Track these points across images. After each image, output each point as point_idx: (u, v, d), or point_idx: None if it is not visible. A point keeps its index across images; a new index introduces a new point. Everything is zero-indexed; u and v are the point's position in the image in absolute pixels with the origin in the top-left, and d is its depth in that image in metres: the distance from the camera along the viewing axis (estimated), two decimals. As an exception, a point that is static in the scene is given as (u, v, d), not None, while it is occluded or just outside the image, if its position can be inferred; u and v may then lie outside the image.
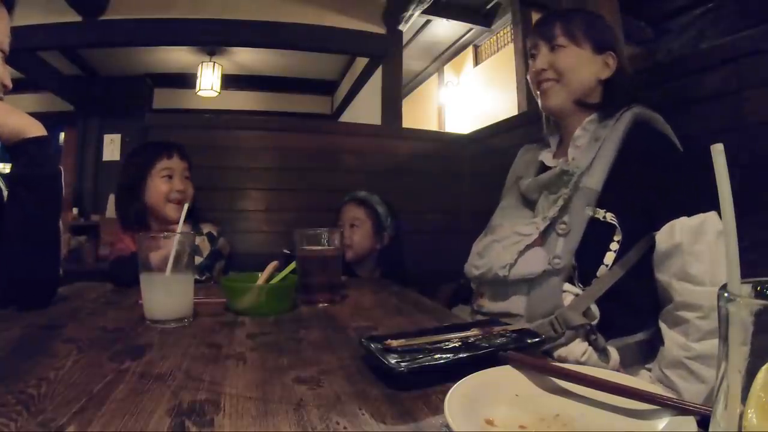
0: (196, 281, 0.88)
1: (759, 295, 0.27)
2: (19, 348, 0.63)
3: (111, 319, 0.80)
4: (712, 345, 0.82)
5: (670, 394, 0.41)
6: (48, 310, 0.86)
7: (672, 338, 0.86)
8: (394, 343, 0.57)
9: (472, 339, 0.61)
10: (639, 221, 0.91)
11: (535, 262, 0.94)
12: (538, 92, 1.07)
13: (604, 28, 1.08)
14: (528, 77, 1.11)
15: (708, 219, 0.85)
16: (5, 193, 0.89)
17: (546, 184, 1.03)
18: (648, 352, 0.92)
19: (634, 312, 0.93)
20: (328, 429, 0.40)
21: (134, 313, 0.83)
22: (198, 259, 1.38)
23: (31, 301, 0.86)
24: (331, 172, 2.16)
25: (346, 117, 5.43)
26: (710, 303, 0.82)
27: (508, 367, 0.49)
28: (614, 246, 0.91)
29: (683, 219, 0.86)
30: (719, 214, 0.28)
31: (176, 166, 1.42)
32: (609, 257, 0.91)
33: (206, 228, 1.47)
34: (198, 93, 5.13)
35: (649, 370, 0.91)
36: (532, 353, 0.61)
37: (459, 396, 0.40)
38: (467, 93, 4.98)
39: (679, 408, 0.39)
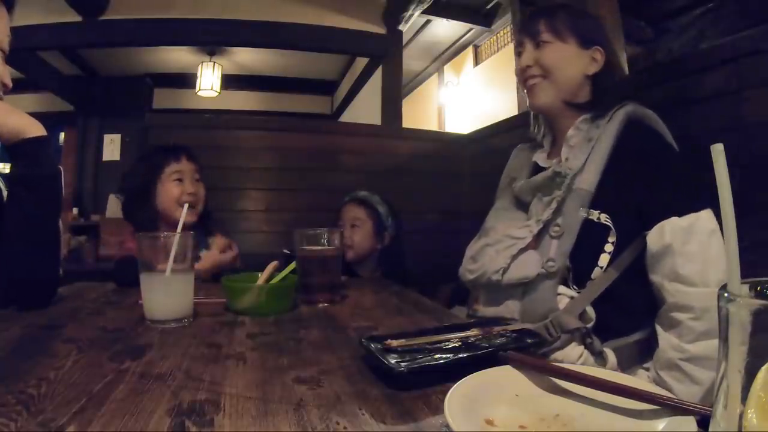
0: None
1: (759, 295, 0.27)
2: (19, 348, 0.63)
3: (111, 319, 0.80)
4: (705, 346, 0.82)
5: (665, 391, 0.41)
6: (48, 310, 0.86)
7: (666, 340, 0.86)
8: (394, 343, 0.57)
9: (472, 339, 0.61)
10: (633, 221, 0.90)
11: (528, 266, 0.93)
12: (526, 91, 1.06)
13: (590, 22, 1.07)
14: (515, 74, 1.10)
15: (699, 219, 0.84)
16: (5, 193, 0.89)
17: (539, 186, 1.02)
18: (645, 351, 0.91)
19: (630, 313, 0.92)
20: (328, 429, 0.40)
21: (134, 313, 0.82)
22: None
23: (31, 301, 0.86)
24: (331, 172, 2.16)
25: (346, 117, 5.43)
26: (702, 304, 0.82)
27: (508, 367, 0.49)
28: (609, 247, 0.90)
29: (674, 219, 0.85)
30: (714, 211, 0.28)
31: (186, 168, 1.41)
32: (603, 259, 0.90)
33: (214, 243, 1.44)
34: (198, 93, 5.14)
35: (647, 369, 0.90)
36: (532, 353, 0.61)
37: (459, 396, 0.40)
38: (467, 93, 4.98)
39: (679, 408, 0.39)
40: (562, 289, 0.91)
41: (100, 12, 3.39)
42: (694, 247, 0.84)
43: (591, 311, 0.89)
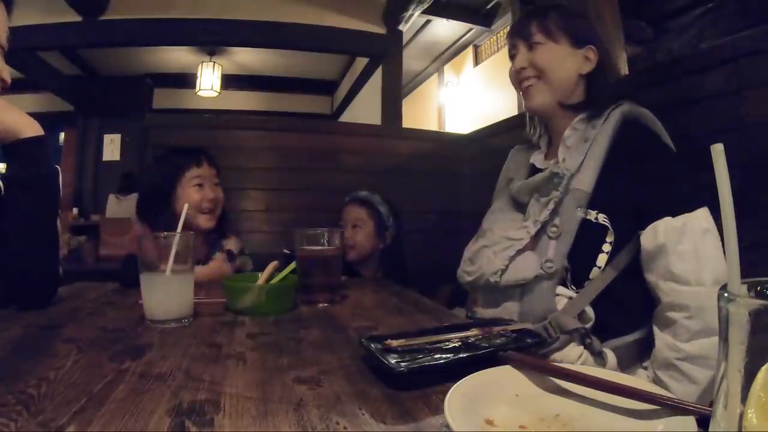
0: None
1: (759, 295, 0.27)
2: (19, 348, 0.63)
3: (111, 319, 0.80)
4: (701, 345, 0.82)
5: (665, 391, 0.41)
6: (48, 310, 0.86)
7: (662, 339, 0.86)
8: (394, 343, 0.57)
9: (472, 339, 0.61)
10: (630, 221, 0.91)
11: (526, 267, 0.92)
12: (522, 93, 1.06)
13: (581, 22, 1.07)
14: (509, 78, 1.10)
15: (692, 218, 0.85)
16: (2, 193, 0.89)
17: (536, 187, 1.02)
18: (644, 351, 0.91)
19: (628, 312, 0.92)
20: (328, 429, 0.40)
21: (134, 313, 0.83)
22: None
23: (30, 301, 0.86)
24: (331, 172, 2.16)
25: (346, 117, 5.43)
26: (697, 303, 0.82)
27: (508, 367, 0.49)
28: (606, 247, 0.91)
29: (667, 219, 0.86)
30: (713, 211, 0.28)
31: (206, 173, 1.40)
32: (602, 259, 0.91)
33: (228, 244, 1.44)
34: (198, 93, 5.14)
35: (647, 369, 0.90)
36: (532, 353, 0.61)
37: (459, 396, 0.40)
38: (467, 93, 4.98)
39: (679, 408, 0.39)
40: (560, 289, 0.91)
41: (100, 12, 3.39)
42: (687, 246, 0.84)
43: (590, 311, 0.89)
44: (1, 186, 0.92)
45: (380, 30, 3.78)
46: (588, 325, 0.88)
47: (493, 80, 4.48)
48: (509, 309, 0.94)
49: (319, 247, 1.00)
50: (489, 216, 1.14)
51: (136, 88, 5.50)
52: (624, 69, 1.81)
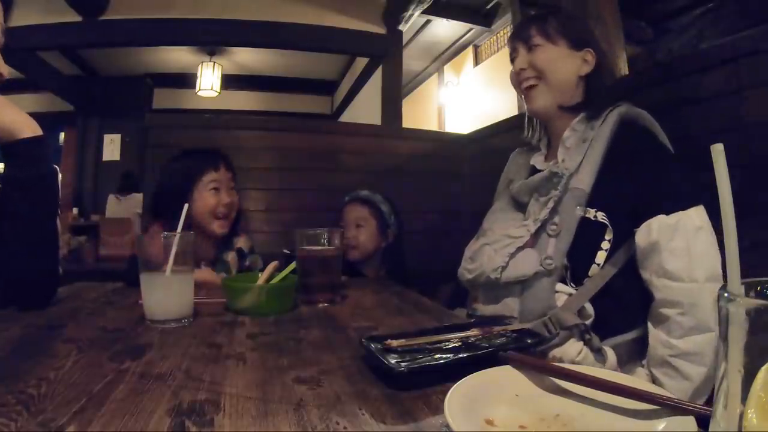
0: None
1: (759, 295, 0.27)
2: (19, 348, 0.63)
3: (111, 319, 0.80)
4: (694, 342, 0.83)
5: (665, 391, 0.42)
6: (48, 310, 0.86)
7: (656, 336, 0.88)
8: (394, 343, 0.57)
9: (472, 339, 0.61)
10: (628, 220, 0.92)
11: (526, 264, 0.93)
12: (523, 95, 1.08)
13: (579, 25, 1.10)
14: (510, 80, 1.12)
15: (685, 216, 0.86)
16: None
17: (536, 187, 1.03)
18: (644, 349, 0.92)
19: (627, 310, 0.93)
20: (328, 429, 0.40)
21: (134, 313, 0.82)
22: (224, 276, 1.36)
23: (30, 301, 0.86)
24: (331, 172, 2.16)
25: (346, 117, 5.43)
26: (689, 299, 0.84)
27: (508, 367, 0.49)
28: (605, 245, 0.92)
29: (661, 217, 0.87)
30: (713, 211, 0.28)
31: (223, 177, 1.39)
32: (600, 256, 0.92)
33: (239, 243, 1.44)
34: (198, 93, 5.14)
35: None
36: (532, 353, 0.61)
37: (459, 396, 0.40)
38: (467, 93, 4.98)
39: (679, 408, 0.39)
40: (560, 286, 0.92)
41: (100, 12, 3.39)
42: (679, 243, 0.85)
43: (589, 308, 0.90)
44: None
45: (380, 30, 3.79)
46: (588, 322, 0.89)
47: (493, 80, 4.49)
48: (509, 305, 0.95)
49: (319, 247, 1.00)
50: (489, 216, 1.15)
51: (136, 88, 5.51)
52: (624, 69, 1.82)
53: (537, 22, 1.05)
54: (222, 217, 1.36)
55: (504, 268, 0.95)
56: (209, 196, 1.35)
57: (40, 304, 0.87)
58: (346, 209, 1.69)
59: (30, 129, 0.84)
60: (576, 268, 0.93)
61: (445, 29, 4.57)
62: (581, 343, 0.88)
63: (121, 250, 4.13)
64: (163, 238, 0.81)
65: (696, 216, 0.86)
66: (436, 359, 0.53)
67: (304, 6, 3.60)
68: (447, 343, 0.59)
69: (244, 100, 5.85)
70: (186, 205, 0.93)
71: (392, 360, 0.52)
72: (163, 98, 5.77)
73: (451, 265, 1.12)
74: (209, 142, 2.00)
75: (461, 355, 0.55)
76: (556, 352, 0.87)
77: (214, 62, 5.07)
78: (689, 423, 0.37)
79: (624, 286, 0.92)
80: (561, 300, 0.91)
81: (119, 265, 3.67)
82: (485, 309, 1.00)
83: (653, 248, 0.88)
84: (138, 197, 4.34)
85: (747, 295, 0.27)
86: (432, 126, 5.47)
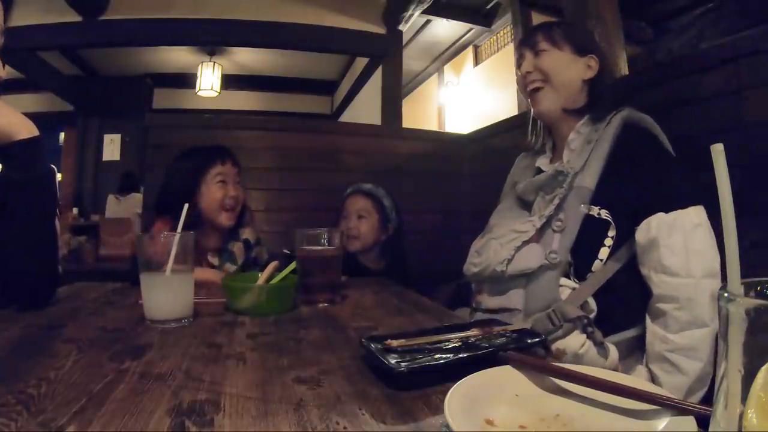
0: None
1: (759, 295, 0.27)
2: (19, 348, 0.63)
3: (111, 319, 0.80)
4: (691, 336, 0.85)
5: (665, 391, 0.42)
6: (48, 310, 0.86)
7: (653, 332, 0.90)
8: (394, 343, 0.57)
9: (472, 339, 0.61)
10: (630, 218, 0.94)
11: (532, 257, 0.96)
12: (529, 99, 1.12)
13: (583, 33, 1.17)
14: (517, 84, 1.17)
15: (683, 214, 0.89)
16: None
17: (541, 185, 1.07)
18: (644, 346, 0.94)
19: (629, 307, 0.96)
20: (328, 429, 0.40)
21: (134, 313, 0.82)
22: (231, 267, 1.40)
23: (30, 301, 0.86)
24: (331, 172, 2.16)
25: (346, 117, 5.43)
26: (686, 294, 0.86)
27: (508, 367, 0.49)
28: (608, 241, 0.95)
29: (660, 214, 0.90)
30: (713, 211, 0.28)
31: (229, 171, 1.42)
32: (603, 252, 0.95)
33: (245, 234, 1.47)
34: (198, 93, 5.14)
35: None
36: (532, 353, 0.61)
37: (459, 396, 0.40)
38: (467, 93, 4.98)
39: (679, 408, 0.39)
40: (563, 281, 0.95)
41: (100, 12, 3.39)
42: (677, 240, 0.88)
43: (592, 303, 0.93)
44: None
45: (380, 30, 3.79)
46: (591, 316, 0.91)
47: (493, 80, 4.49)
48: (514, 298, 0.98)
49: (319, 247, 1.00)
50: (495, 214, 1.19)
51: (136, 88, 5.51)
52: (624, 69, 1.81)
53: (543, 29, 1.10)
54: (229, 209, 1.40)
55: (509, 261, 0.98)
56: (217, 189, 1.39)
57: (39, 304, 0.87)
58: (348, 200, 1.71)
59: (26, 130, 0.83)
60: (579, 264, 0.95)
61: (445, 29, 4.57)
62: (584, 335, 0.90)
63: (121, 250, 4.14)
64: (163, 237, 0.81)
65: (694, 214, 0.89)
66: (436, 359, 0.53)
67: (304, 6, 3.60)
68: (447, 343, 0.59)
69: (244, 100, 5.85)
70: (186, 205, 0.93)
71: (392, 360, 0.52)
72: (163, 98, 5.77)
73: (451, 265, 1.13)
74: (209, 142, 1.99)
75: (461, 355, 0.55)
76: (559, 344, 0.89)
77: (214, 62, 5.07)
78: (689, 423, 0.37)
79: (626, 283, 0.94)
80: (565, 294, 0.94)
81: (119, 265, 3.68)
82: (490, 301, 1.02)
83: (652, 244, 0.90)
84: (138, 197, 4.34)
85: (747, 295, 0.27)
86: (432, 126, 5.47)
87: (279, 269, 0.97)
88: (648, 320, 0.92)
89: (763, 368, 0.23)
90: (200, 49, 4.93)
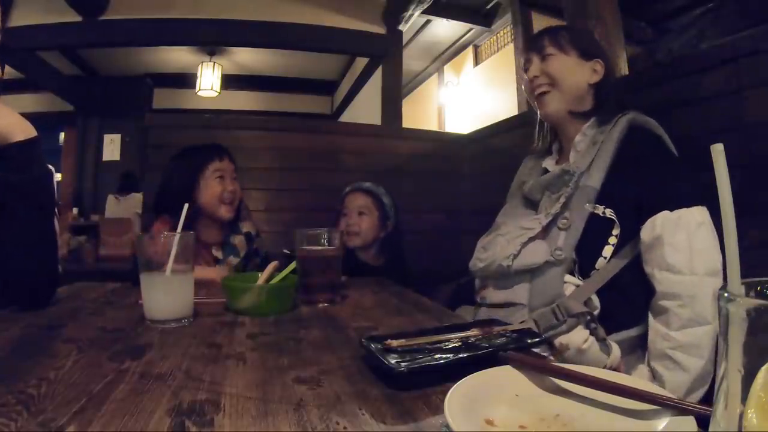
0: None
1: (759, 295, 0.27)
2: (19, 348, 0.63)
3: (111, 319, 0.80)
4: (693, 333, 0.86)
5: (665, 391, 0.42)
6: (48, 310, 0.86)
7: (655, 329, 0.91)
8: (394, 343, 0.57)
9: (472, 339, 0.61)
10: (634, 217, 0.95)
11: (537, 253, 0.98)
12: (536, 102, 1.13)
13: (589, 38, 1.18)
14: (524, 88, 1.19)
15: (688, 213, 0.90)
16: None
17: (548, 185, 1.08)
18: (646, 345, 0.94)
19: (632, 305, 0.97)
20: (328, 429, 0.40)
21: (134, 313, 0.82)
22: (234, 260, 1.45)
23: (30, 301, 0.86)
24: (331, 172, 2.16)
25: (346, 117, 5.43)
26: (689, 291, 0.87)
27: (508, 367, 0.49)
28: (612, 240, 0.96)
29: (664, 213, 0.91)
30: (713, 211, 0.28)
31: (227, 167, 1.48)
32: (607, 250, 0.96)
33: (245, 227, 1.53)
34: (198, 93, 5.13)
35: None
36: (532, 353, 0.61)
37: (459, 396, 0.40)
38: (467, 93, 4.98)
39: (679, 408, 0.39)
40: (568, 278, 0.96)
41: (100, 12, 3.39)
42: (681, 237, 0.89)
43: (596, 300, 0.94)
44: None
45: (380, 30, 3.79)
46: (594, 313, 0.92)
47: (493, 80, 4.48)
48: (519, 293, 0.99)
49: (319, 247, 1.00)
50: (502, 213, 1.21)
51: (136, 88, 5.51)
52: (624, 69, 1.82)
53: (550, 34, 1.11)
54: (228, 203, 1.45)
55: (515, 256, 0.99)
56: (215, 184, 1.44)
57: (39, 304, 0.87)
58: (349, 197, 1.73)
59: (23, 132, 0.83)
60: (584, 261, 0.97)
61: (445, 29, 4.57)
62: (587, 331, 0.91)
63: (120, 250, 4.13)
64: (163, 237, 0.81)
65: (698, 213, 0.90)
66: (436, 359, 0.53)
67: (304, 6, 3.60)
68: (447, 343, 0.59)
69: (244, 100, 5.85)
70: (186, 205, 0.93)
71: (392, 360, 0.52)
72: (163, 98, 5.76)
73: (451, 265, 1.13)
74: (209, 142, 2.00)
75: (461, 355, 0.55)
76: (563, 339, 0.90)
77: (214, 62, 5.06)
78: (689, 423, 0.37)
79: (629, 282, 0.95)
80: (569, 290, 0.95)
81: (119, 265, 3.68)
82: (496, 295, 1.04)
83: (656, 242, 0.91)
84: (138, 197, 4.34)
85: (747, 295, 0.27)
86: (432, 126, 5.47)
87: (279, 269, 0.97)
88: (650, 317, 0.93)
89: (763, 368, 0.23)
90: (200, 49, 4.93)
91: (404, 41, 4.00)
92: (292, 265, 0.97)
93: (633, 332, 0.95)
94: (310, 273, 0.98)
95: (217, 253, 1.45)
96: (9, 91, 4.61)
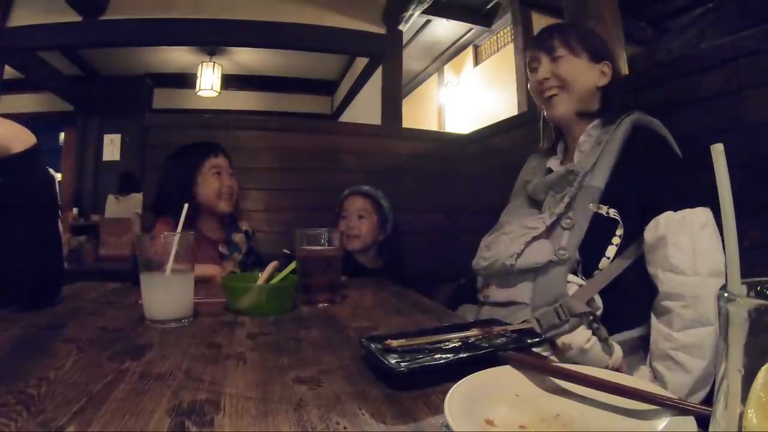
0: None
1: (759, 295, 0.27)
2: (19, 348, 0.63)
3: (111, 319, 0.80)
4: (695, 334, 0.86)
5: (660, 387, 0.42)
6: (48, 310, 0.86)
7: (658, 330, 0.91)
8: (394, 343, 0.57)
9: (472, 339, 0.61)
10: (638, 217, 0.95)
11: (541, 252, 0.98)
12: (544, 103, 1.12)
13: (598, 40, 1.16)
14: (530, 88, 1.16)
15: (692, 213, 0.90)
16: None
17: (552, 184, 1.08)
18: (648, 346, 0.94)
19: (635, 306, 0.96)
20: (328, 429, 0.40)
21: (134, 313, 0.82)
22: (238, 256, 1.50)
23: (36, 300, 0.86)
24: (331, 172, 2.16)
25: (346, 117, 5.43)
26: (692, 292, 0.87)
27: (508, 367, 0.49)
28: (616, 240, 0.96)
29: (668, 213, 0.91)
30: (713, 211, 0.28)
31: (223, 163, 1.52)
32: (611, 250, 0.96)
33: (244, 225, 1.60)
34: (198, 93, 5.13)
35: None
36: (532, 353, 0.61)
37: (459, 396, 0.40)
38: (467, 93, 4.98)
39: (679, 408, 0.39)
40: (571, 277, 0.96)
41: (100, 12, 3.39)
42: (685, 238, 0.89)
43: (598, 300, 0.94)
44: None
45: (380, 30, 3.78)
46: (597, 313, 0.92)
47: (493, 80, 4.48)
48: (522, 291, 0.99)
49: (319, 247, 1.00)
50: (506, 212, 1.21)
51: (136, 88, 5.50)
52: (624, 69, 1.81)
53: (560, 34, 1.10)
54: (227, 197, 1.49)
55: (519, 254, 0.99)
56: (213, 180, 1.48)
57: (46, 303, 0.88)
58: (347, 200, 1.73)
59: (22, 141, 0.82)
60: (587, 261, 0.97)
61: (445, 29, 4.57)
62: (590, 331, 0.91)
63: (120, 250, 4.14)
64: (162, 237, 0.81)
65: (702, 214, 0.90)
66: (436, 359, 0.53)
67: (304, 6, 3.60)
68: (447, 343, 0.59)
69: (244, 100, 5.84)
70: (186, 205, 0.93)
71: (392, 360, 0.52)
72: (163, 98, 5.76)
73: (451, 265, 1.13)
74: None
75: (461, 355, 0.55)
76: (565, 339, 0.90)
77: (214, 62, 5.06)
78: (689, 423, 0.37)
79: (632, 282, 0.95)
80: (572, 290, 0.95)
81: (119, 265, 3.67)
82: (498, 294, 1.04)
83: (660, 242, 0.91)
84: (138, 197, 4.34)
85: (747, 295, 0.27)
86: (432, 126, 5.46)
87: (279, 269, 0.97)
88: (653, 318, 0.93)
89: (763, 368, 0.23)
90: (200, 49, 4.93)
91: (404, 41, 4.00)
92: (292, 265, 0.97)
93: (635, 333, 0.95)
94: (310, 273, 0.98)
95: (223, 250, 1.49)
96: (9, 91, 4.61)
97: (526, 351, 0.58)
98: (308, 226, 1.02)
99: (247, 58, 5.20)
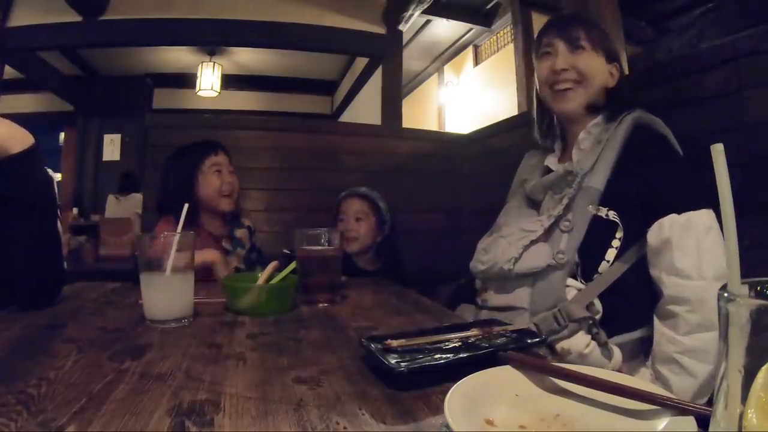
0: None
1: (759, 295, 0.27)
2: (19, 348, 0.63)
3: (111, 319, 0.80)
4: (701, 339, 0.84)
5: (665, 391, 0.42)
6: (48, 310, 0.86)
7: (662, 333, 0.89)
8: (394, 343, 0.57)
9: (472, 339, 0.61)
10: (639, 219, 0.94)
11: (539, 257, 0.96)
12: (553, 95, 1.06)
13: (611, 41, 1.14)
14: (538, 77, 1.10)
15: (696, 216, 0.88)
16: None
17: (550, 185, 1.07)
18: (648, 348, 0.93)
19: (635, 308, 0.95)
20: (328, 429, 0.40)
21: (134, 313, 0.82)
22: (241, 252, 1.51)
23: (37, 300, 0.86)
24: (331, 172, 2.16)
25: (346, 117, 5.43)
26: (698, 296, 0.85)
27: (508, 367, 0.49)
28: (616, 243, 0.94)
29: (672, 216, 0.89)
30: (713, 211, 0.28)
31: (223, 161, 1.53)
32: (611, 253, 0.94)
33: (246, 222, 1.61)
34: (198, 93, 5.13)
35: (649, 368, 0.92)
36: (532, 353, 0.61)
37: (459, 396, 0.40)
38: (467, 93, 4.98)
39: (679, 408, 0.39)
40: (570, 281, 0.95)
41: (100, 12, 3.39)
42: (690, 242, 0.87)
43: (598, 304, 0.93)
44: None
45: (380, 30, 3.78)
46: (597, 317, 0.91)
47: (493, 80, 4.48)
48: (521, 296, 0.98)
49: (319, 247, 1.00)
50: (503, 213, 1.19)
51: (136, 88, 5.51)
52: (624, 69, 1.82)
53: (585, 26, 1.06)
54: (228, 195, 1.50)
55: (517, 259, 0.98)
56: (214, 178, 1.49)
57: (47, 303, 0.88)
58: (345, 202, 1.73)
59: (20, 142, 0.81)
60: (586, 265, 0.95)
61: (445, 29, 4.57)
62: (589, 336, 0.90)
63: (121, 250, 4.14)
64: (162, 237, 0.81)
65: (706, 216, 0.88)
66: (436, 359, 0.53)
67: (304, 6, 3.60)
68: (447, 343, 0.59)
69: (244, 100, 5.84)
70: (186, 205, 0.93)
71: (392, 360, 0.52)
72: (163, 98, 5.76)
73: (451, 265, 1.13)
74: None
75: (461, 355, 0.55)
76: (564, 344, 0.89)
77: (214, 62, 5.06)
78: (689, 423, 0.37)
79: (632, 285, 0.94)
80: (571, 294, 0.94)
81: (119, 265, 3.67)
82: (496, 299, 1.03)
83: (665, 246, 0.89)
84: (138, 197, 4.34)
85: (747, 295, 0.27)
86: (432, 126, 5.46)
87: (279, 269, 0.97)
88: (656, 321, 0.91)
89: (763, 368, 0.23)
90: (200, 49, 4.93)
91: (404, 41, 4.00)
92: (292, 265, 0.97)
93: (635, 335, 0.94)
94: (310, 273, 0.98)
95: (227, 245, 1.49)
96: (9, 91, 4.61)
97: (526, 351, 0.58)
98: (308, 226, 1.02)
99: (247, 58, 5.20)
